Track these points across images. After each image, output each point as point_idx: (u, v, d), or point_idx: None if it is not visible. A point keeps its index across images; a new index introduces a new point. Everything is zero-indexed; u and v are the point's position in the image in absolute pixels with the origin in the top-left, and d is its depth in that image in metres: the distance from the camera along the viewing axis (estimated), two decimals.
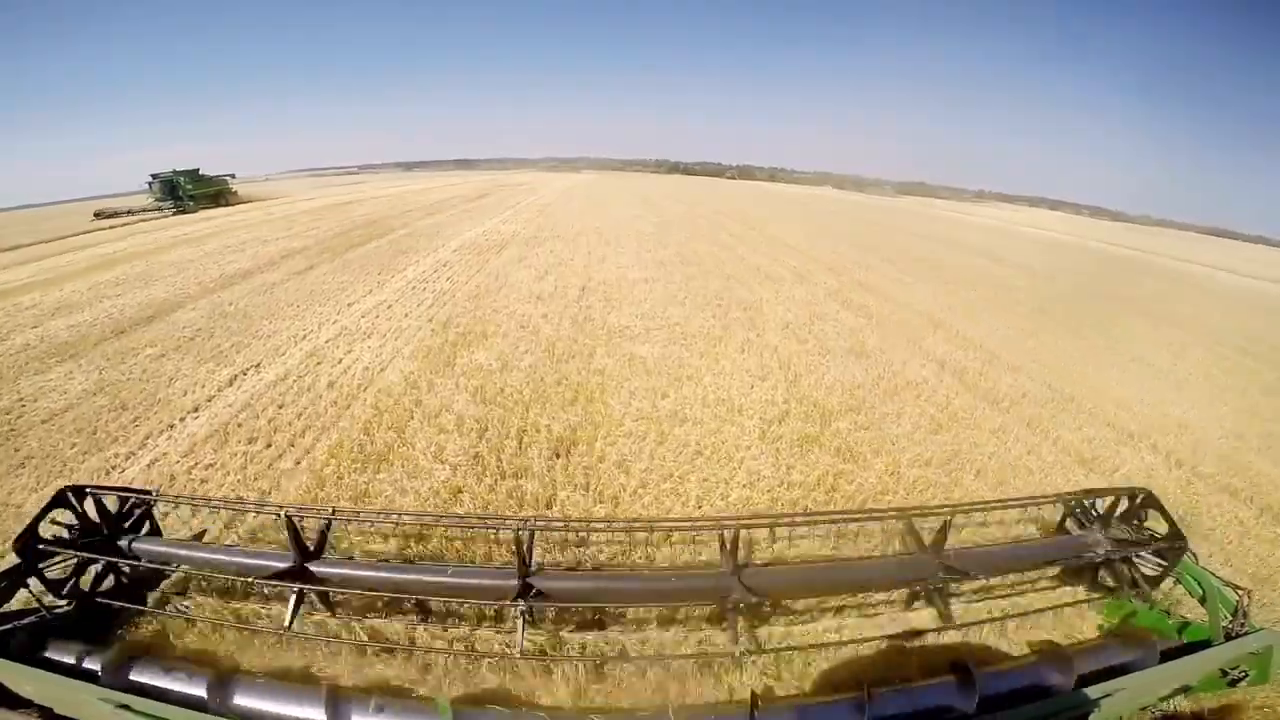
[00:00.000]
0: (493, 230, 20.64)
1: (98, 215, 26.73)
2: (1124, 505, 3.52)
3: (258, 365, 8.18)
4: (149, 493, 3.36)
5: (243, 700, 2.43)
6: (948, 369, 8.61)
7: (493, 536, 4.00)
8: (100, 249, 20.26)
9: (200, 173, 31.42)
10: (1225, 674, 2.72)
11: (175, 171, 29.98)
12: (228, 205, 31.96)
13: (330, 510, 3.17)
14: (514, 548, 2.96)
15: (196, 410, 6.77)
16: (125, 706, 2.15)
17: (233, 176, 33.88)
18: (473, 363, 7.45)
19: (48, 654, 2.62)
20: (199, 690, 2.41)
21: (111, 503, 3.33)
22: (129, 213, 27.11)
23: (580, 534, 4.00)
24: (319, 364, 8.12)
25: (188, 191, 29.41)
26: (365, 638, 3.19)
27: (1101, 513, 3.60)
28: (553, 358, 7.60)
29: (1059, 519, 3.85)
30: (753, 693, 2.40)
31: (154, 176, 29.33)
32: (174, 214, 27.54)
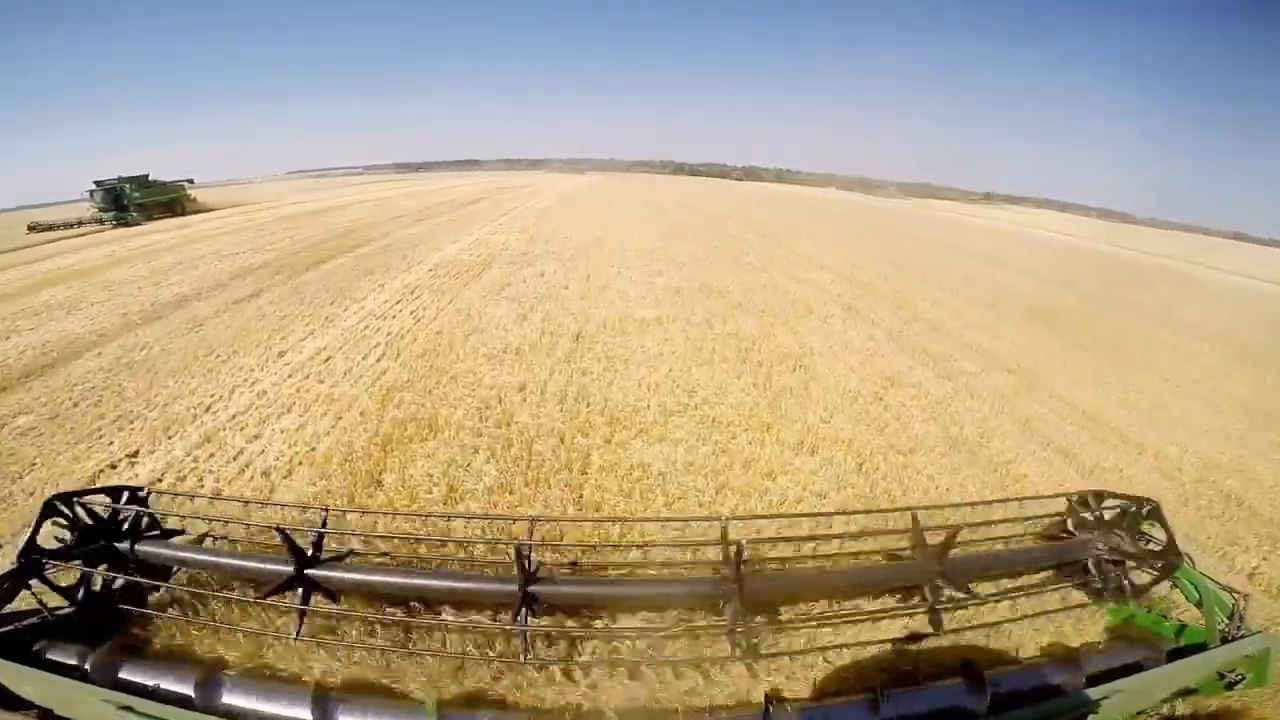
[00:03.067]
0: (480, 242, 18.12)
1: (32, 229, 24.04)
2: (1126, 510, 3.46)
3: (134, 455, 5.97)
4: (141, 488, 3.43)
5: (233, 699, 2.43)
6: (1078, 464, 6.23)
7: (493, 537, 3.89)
8: (48, 264, 18.42)
9: (150, 179, 28.37)
10: (1223, 677, 2.69)
11: (120, 178, 26.94)
12: (184, 214, 28.94)
13: (325, 511, 3.20)
14: (514, 549, 2.92)
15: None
16: (127, 708, 2.08)
17: (190, 182, 30.87)
18: (407, 482, 4.94)
19: (49, 655, 2.60)
20: (182, 687, 2.42)
21: (114, 505, 3.28)
22: (65, 225, 24.33)
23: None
24: (211, 456, 5.82)
25: (134, 200, 26.38)
26: (365, 640, 3.14)
27: (1102, 517, 3.54)
28: (525, 472, 5.07)
29: (1061, 520, 3.73)
30: (766, 695, 2.49)
31: (97, 184, 26.29)
32: (113, 226, 24.61)
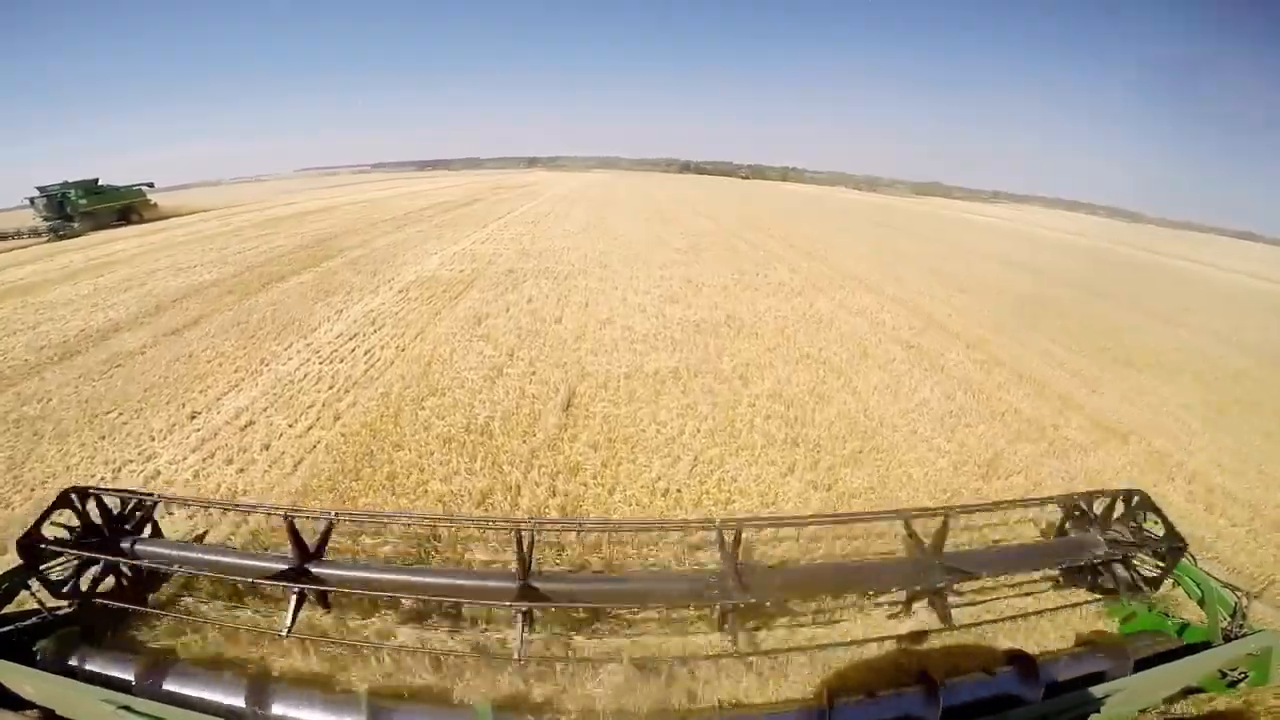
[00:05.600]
0: (465, 254, 16.01)
1: None
2: (1120, 508, 3.43)
3: None
4: (151, 495, 3.39)
5: (277, 708, 2.40)
6: (1242, 575, 4.55)
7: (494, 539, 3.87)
8: None
9: (100, 183, 25.35)
10: (1224, 675, 2.70)
11: (66, 183, 23.97)
12: (141, 221, 26.12)
13: (332, 513, 3.15)
14: (515, 549, 2.89)
15: None
16: (126, 707, 2.09)
17: (150, 186, 27.79)
18: None
19: (49, 655, 2.58)
20: (232, 699, 2.37)
21: (113, 504, 3.29)
22: (2, 238, 21.42)
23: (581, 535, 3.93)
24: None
25: (79, 208, 23.43)
26: (364, 639, 3.15)
27: (1099, 515, 3.45)
28: (472, 675, 3.04)
29: (1059, 522, 3.69)
30: (719, 701, 2.75)
31: (40, 190, 23.20)
32: (50, 239, 21.54)
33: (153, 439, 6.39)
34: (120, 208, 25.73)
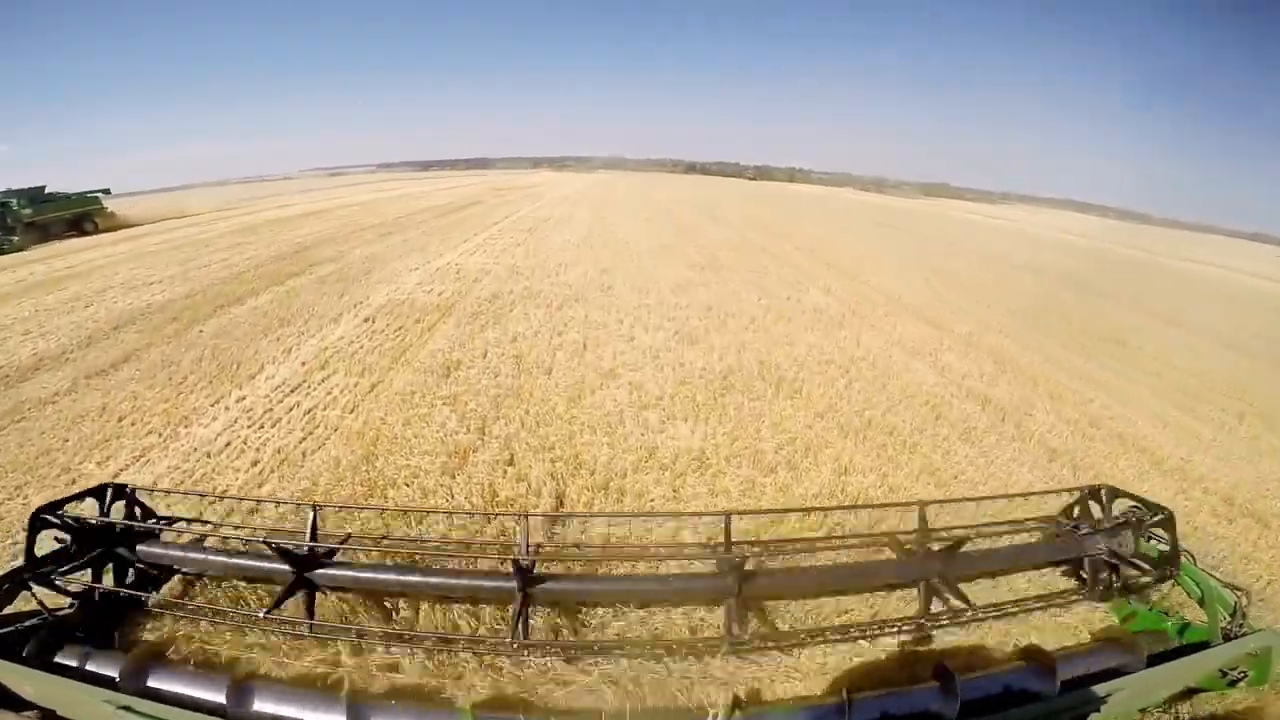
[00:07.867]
0: (449, 269, 14.29)
1: None
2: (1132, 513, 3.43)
3: None
4: (125, 485, 3.39)
5: (259, 705, 2.36)
6: None
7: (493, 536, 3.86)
8: None
9: (48, 191, 23.09)
10: (1225, 675, 2.66)
11: (8, 191, 21.75)
12: (96, 231, 23.72)
13: (336, 507, 3.55)
14: (514, 546, 2.97)
15: None
16: (127, 708, 2.08)
17: (106, 192, 25.43)
18: None
19: (49, 656, 2.58)
20: (214, 695, 2.33)
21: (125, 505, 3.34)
22: None
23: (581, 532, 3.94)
24: None
25: (21, 219, 21.05)
26: (364, 638, 3.09)
27: (1106, 518, 3.44)
28: None
29: (1059, 518, 3.69)
30: (735, 696, 2.58)
31: None
32: None
33: (24, 529, 4.82)
34: (71, 217, 23.62)
